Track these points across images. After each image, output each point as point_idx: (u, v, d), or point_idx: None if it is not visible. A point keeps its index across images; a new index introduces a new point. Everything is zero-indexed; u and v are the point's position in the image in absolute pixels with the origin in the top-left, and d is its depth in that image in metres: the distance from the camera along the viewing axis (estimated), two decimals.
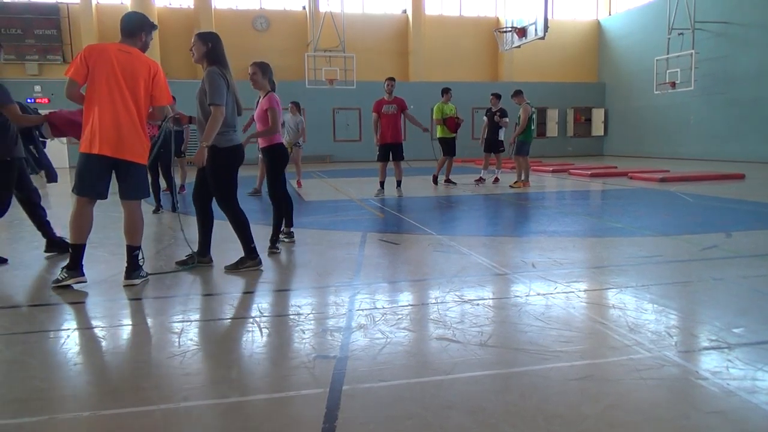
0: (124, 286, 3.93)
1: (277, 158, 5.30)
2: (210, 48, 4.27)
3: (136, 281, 3.99)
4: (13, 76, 20.33)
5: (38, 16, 20.61)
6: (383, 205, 8.23)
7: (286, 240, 5.47)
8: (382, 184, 9.44)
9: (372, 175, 14.71)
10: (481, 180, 11.41)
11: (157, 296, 3.83)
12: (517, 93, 10.66)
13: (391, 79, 9.30)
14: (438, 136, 11.04)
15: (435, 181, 11.19)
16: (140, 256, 4.09)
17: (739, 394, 2.19)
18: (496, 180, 11.46)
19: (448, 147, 10.93)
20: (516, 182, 10.67)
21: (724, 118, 18.62)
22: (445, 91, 11.06)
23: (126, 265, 4.02)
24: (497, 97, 11.22)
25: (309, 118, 21.73)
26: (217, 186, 4.39)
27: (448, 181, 11.29)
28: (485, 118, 11.41)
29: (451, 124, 10.84)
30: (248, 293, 3.92)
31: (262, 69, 5.10)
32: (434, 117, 11.07)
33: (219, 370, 2.54)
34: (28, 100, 20.50)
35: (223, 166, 4.35)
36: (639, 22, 22.44)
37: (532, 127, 10.68)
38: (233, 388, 2.34)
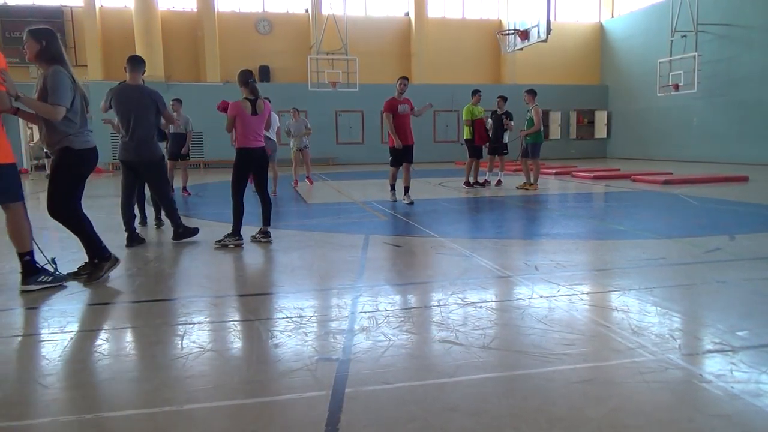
0: (21, 291, 3.82)
1: (238, 160, 5.51)
2: (44, 46, 3.91)
3: (33, 287, 3.83)
4: (17, 79, 20.03)
5: (42, 20, 20.67)
6: (386, 208, 8.22)
7: (262, 240, 5.63)
8: (394, 186, 8.95)
9: (375, 178, 14.73)
10: (485, 182, 11.46)
11: (159, 298, 3.83)
12: (532, 93, 10.53)
13: (405, 78, 8.72)
14: (465, 137, 11.11)
15: (469, 185, 11.14)
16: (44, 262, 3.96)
17: (743, 397, 2.19)
18: (499, 182, 11.48)
19: (474, 149, 10.96)
20: (532, 184, 10.61)
21: (728, 120, 18.59)
22: (475, 93, 10.98)
23: (21, 270, 3.87)
24: (504, 99, 11.20)
25: (311, 121, 21.67)
26: (54, 188, 4.01)
27: (476, 183, 11.26)
28: (490, 120, 11.41)
29: (480, 129, 10.87)
30: (250, 295, 3.92)
31: (237, 79, 5.49)
32: (464, 118, 11.06)
33: (221, 373, 2.54)
34: None
35: (73, 168, 4.02)
36: (642, 25, 22.44)
37: (540, 129, 10.66)
38: (236, 391, 2.34)
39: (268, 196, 5.81)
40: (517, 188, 10.67)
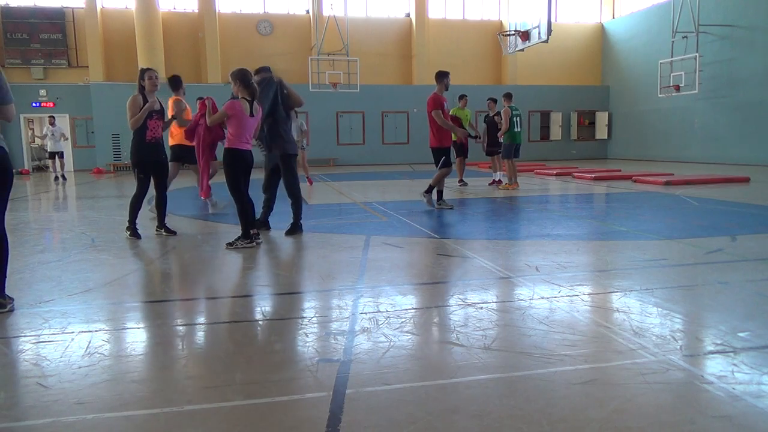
0: None
1: (229, 162, 5.42)
2: None
3: None
4: (19, 80, 20.43)
5: (44, 21, 20.74)
6: (387, 209, 8.23)
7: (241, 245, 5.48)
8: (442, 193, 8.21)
9: (376, 179, 14.74)
10: (493, 182, 11.91)
11: (160, 299, 3.83)
12: (507, 96, 10.92)
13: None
14: (452, 139, 11.63)
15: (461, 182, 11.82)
16: None
17: (745, 398, 2.18)
18: (499, 182, 11.67)
19: (457, 149, 11.46)
20: (507, 184, 10.99)
21: (729, 121, 18.58)
22: (461, 98, 11.45)
23: None
24: (494, 101, 11.69)
25: (312, 122, 21.80)
26: None
27: (460, 182, 11.82)
28: (485, 123, 11.74)
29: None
30: (251, 296, 3.92)
31: (235, 77, 5.41)
32: None
33: (222, 374, 2.54)
34: (34, 105, 20.62)
35: None
36: (643, 26, 22.43)
37: (516, 130, 10.89)
38: (237, 392, 2.34)
39: (250, 200, 5.64)
40: (500, 188, 11.11)
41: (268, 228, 6.36)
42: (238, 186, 5.47)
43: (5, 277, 3.45)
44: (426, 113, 8.15)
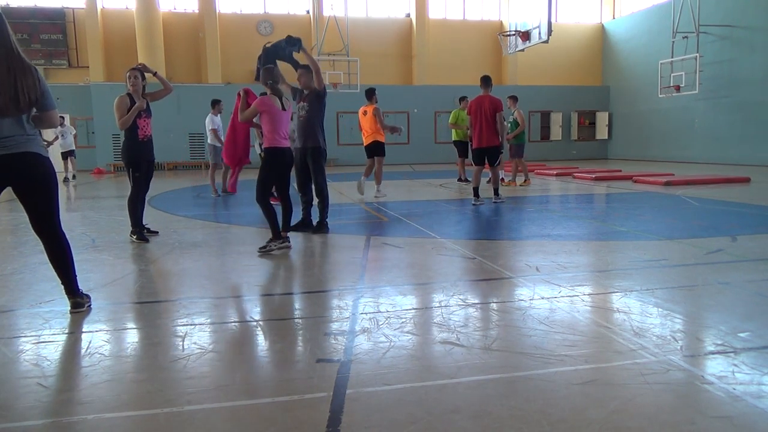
0: None
1: (267, 162, 5.34)
2: None
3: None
4: None
5: (44, 21, 20.75)
6: (387, 209, 8.23)
7: (279, 247, 5.40)
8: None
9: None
10: (501, 180, 12.12)
11: (160, 300, 3.83)
12: (514, 98, 11.49)
13: None
14: (453, 139, 12.35)
15: (460, 180, 12.41)
16: None
17: (745, 398, 2.18)
18: (502, 180, 11.93)
19: (462, 149, 12.13)
20: (526, 180, 11.74)
21: (729, 121, 18.57)
22: (461, 100, 11.86)
23: None
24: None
25: None
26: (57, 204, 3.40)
27: (464, 179, 12.28)
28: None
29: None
30: (252, 297, 3.92)
31: (262, 83, 5.42)
32: (449, 121, 12.20)
33: (223, 374, 2.54)
34: None
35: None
36: (643, 26, 22.42)
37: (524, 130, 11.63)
38: (237, 392, 2.33)
39: (290, 200, 5.58)
40: (519, 185, 11.46)
41: (312, 228, 6.32)
42: (268, 188, 5.32)
43: (76, 276, 3.49)
44: (481, 113, 8.50)
